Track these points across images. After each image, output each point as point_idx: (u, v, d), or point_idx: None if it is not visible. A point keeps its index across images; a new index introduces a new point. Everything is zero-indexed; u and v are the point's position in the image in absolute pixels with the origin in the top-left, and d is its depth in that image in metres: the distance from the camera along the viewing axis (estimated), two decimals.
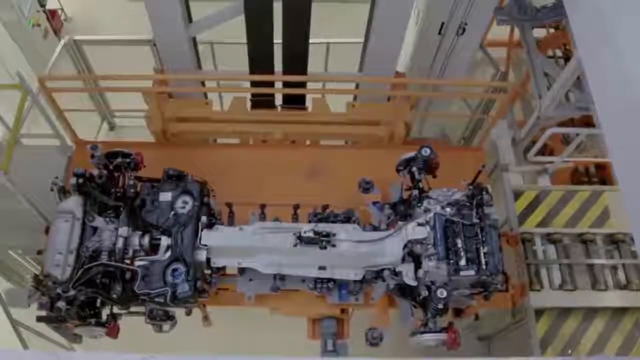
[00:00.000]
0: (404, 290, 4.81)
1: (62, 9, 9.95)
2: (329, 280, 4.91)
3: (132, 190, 4.97)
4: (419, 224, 4.56)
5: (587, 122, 6.62)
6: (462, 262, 4.30)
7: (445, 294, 4.05)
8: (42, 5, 9.26)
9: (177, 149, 6.13)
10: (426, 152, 4.76)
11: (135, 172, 5.12)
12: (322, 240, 4.69)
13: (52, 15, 9.61)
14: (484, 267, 4.29)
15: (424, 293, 4.60)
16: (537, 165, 6.75)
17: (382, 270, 4.85)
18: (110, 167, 5.04)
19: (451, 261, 4.33)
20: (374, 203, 5.38)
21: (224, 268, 5.04)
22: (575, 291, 5.77)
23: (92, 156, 5.01)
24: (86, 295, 4.30)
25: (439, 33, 5.92)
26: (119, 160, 5.04)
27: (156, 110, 5.99)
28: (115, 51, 7.39)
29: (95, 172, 4.93)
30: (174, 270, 4.59)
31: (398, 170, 5.34)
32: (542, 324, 5.77)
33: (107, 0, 10.57)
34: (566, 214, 6.27)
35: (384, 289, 4.90)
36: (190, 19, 5.76)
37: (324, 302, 5.13)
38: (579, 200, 6.35)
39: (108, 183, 4.95)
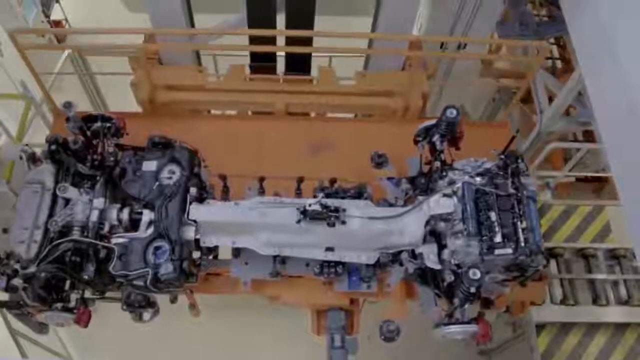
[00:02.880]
0: (425, 276, 4.21)
1: (66, 19, 10.12)
2: (337, 264, 4.32)
3: (111, 159, 4.39)
4: (445, 195, 3.96)
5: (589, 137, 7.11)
6: (497, 239, 3.69)
7: (478, 274, 3.45)
8: (47, 16, 9.48)
9: (165, 120, 5.55)
10: (452, 113, 4.15)
11: (117, 140, 4.54)
12: (330, 216, 4.09)
13: (56, 25, 9.86)
14: (522, 244, 3.68)
15: (450, 278, 4.01)
16: (538, 180, 6.61)
17: (399, 252, 4.26)
18: (88, 133, 4.47)
19: (484, 238, 3.72)
20: (389, 179, 4.80)
21: (215, 249, 4.45)
22: (577, 306, 5.81)
23: (67, 119, 4.45)
24: (49, 274, 3.70)
25: None
26: (98, 124, 4.47)
27: (144, 76, 5.42)
28: (117, 61, 7.13)
29: (70, 137, 4.36)
30: (157, 248, 4.00)
31: (416, 141, 4.76)
32: (543, 339, 5.80)
33: (110, 10, 10.85)
34: (567, 229, 6.34)
35: (401, 275, 4.30)
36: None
37: (331, 290, 4.53)
38: (580, 215, 6.40)
39: (84, 150, 4.37)
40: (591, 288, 5.89)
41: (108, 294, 4.20)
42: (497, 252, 3.68)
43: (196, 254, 4.30)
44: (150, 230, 4.07)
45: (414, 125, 4.85)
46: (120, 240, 4.05)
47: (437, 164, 4.43)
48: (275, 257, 4.42)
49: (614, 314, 5.81)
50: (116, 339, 7.08)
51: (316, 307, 4.75)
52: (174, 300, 4.27)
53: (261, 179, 4.61)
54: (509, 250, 3.67)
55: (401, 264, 4.30)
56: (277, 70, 5.92)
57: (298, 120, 5.77)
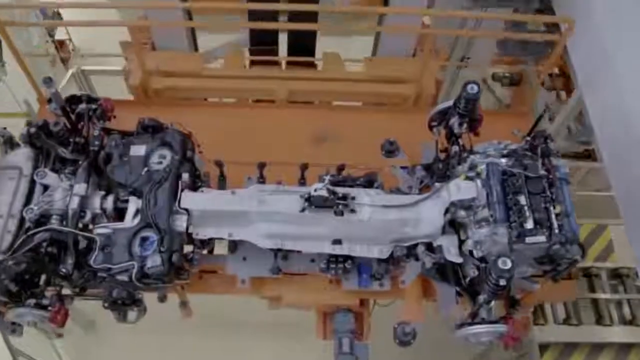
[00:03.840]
0: (445, 271, 3.80)
1: (70, 40, 10.34)
2: (345, 259, 3.91)
3: (96, 143, 4.03)
4: (467, 178, 3.57)
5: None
6: (529, 225, 3.28)
7: (509, 263, 3.03)
8: (51, 36, 9.74)
9: (159, 108, 5.18)
10: (473, 89, 3.77)
11: (103, 123, 4.19)
12: (338, 204, 3.71)
13: (60, 45, 10.03)
14: (556, 231, 3.27)
15: (473, 273, 3.60)
16: None
17: (415, 245, 3.85)
18: (72, 115, 4.12)
19: (513, 224, 3.31)
20: (402, 168, 4.43)
21: (210, 243, 4.05)
22: (580, 326, 5.80)
23: (49, 100, 4.11)
24: (20, 265, 3.30)
25: None
26: (83, 106, 4.12)
27: (135, 61, 5.09)
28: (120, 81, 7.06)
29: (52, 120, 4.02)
30: (144, 239, 3.61)
31: (431, 127, 4.39)
32: (547, 359, 5.79)
33: (112, 31, 10.71)
34: None
35: (417, 271, 3.88)
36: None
37: (338, 288, 4.12)
38: (582, 234, 6.30)
39: (66, 133, 4.01)
40: (594, 308, 5.97)
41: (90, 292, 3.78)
42: (528, 240, 3.27)
43: (188, 248, 3.92)
44: (137, 219, 3.69)
45: (427, 115, 4.51)
46: (103, 230, 3.66)
47: (455, 148, 4.05)
48: (276, 252, 4.03)
49: (618, 334, 5.84)
50: None
51: (322, 309, 4.33)
52: (162, 298, 3.86)
53: (261, 166, 4.23)
54: (542, 238, 3.26)
55: (417, 259, 3.89)
56: (278, 54, 5.58)
57: (301, 108, 5.40)
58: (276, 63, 5.56)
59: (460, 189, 3.59)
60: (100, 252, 3.57)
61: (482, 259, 3.59)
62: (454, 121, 4.15)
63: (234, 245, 4.09)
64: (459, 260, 3.64)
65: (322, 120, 5.29)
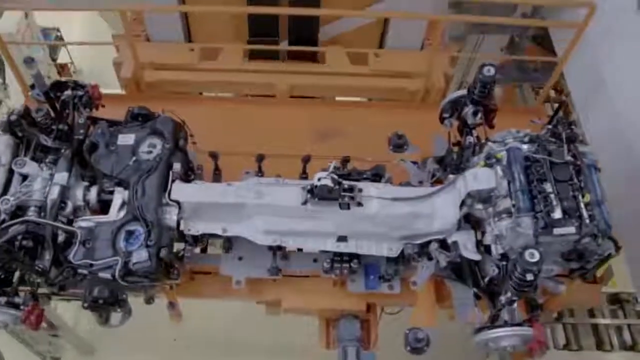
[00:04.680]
0: (461, 271, 3.50)
1: (72, 62, 10.47)
2: (351, 258, 3.61)
3: (81, 131, 3.77)
4: (487, 164, 3.29)
5: None
6: (556, 215, 2.98)
7: (537, 255, 2.73)
8: (54, 59, 9.96)
9: (151, 103, 4.88)
10: (489, 71, 3.52)
11: (89, 112, 3.93)
12: (344, 196, 3.43)
13: (62, 68, 10.15)
14: (587, 222, 2.97)
15: (493, 272, 3.29)
16: None
17: (428, 243, 3.56)
18: (57, 103, 3.87)
19: (538, 214, 3.02)
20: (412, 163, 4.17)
21: (203, 240, 3.76)
22: (580, 351, 5.80)
23: (32, 86, 3.87)
24: None
25: None
26: (68, 93, 3.87)
27: (128, 52, 4.86)
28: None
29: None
30: (129, 233, 3.31)
31: (442, 119, 4.13)
32: None
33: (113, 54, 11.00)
34: None
35: (431, 271, 3.58)
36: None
37: (343, 291, 3.80)
38: None
39: (49, 120, 3.75)
40: (595, 333, 5.92)
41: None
42: (556, 231, 2.96)
43: (179, 246, 3.62)
44: (123, 213, 3.41)
45: (436, 111, 4.26)
46: (86, 223, 3.37)
47: (470, 139, 3.79)
48: (275, 251, 3.74)
49: (619, 359, 5.88)
50: None
51: (326, 314, 4.01)
52: (149, 300, 3.54)
53: (259, 158, 3.96)
54: (572, 229, 2.95)
55: (430, 258, 3.60)
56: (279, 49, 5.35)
57: (303, 104, 5.15)
58: (276, 57, 5.33)
59: (478, 178, 3.30)
60: (81, 246, 3.27)
61: (503, 256, 3.29)
62: (468, 110, 3.90)
63: (229, 244, 3.80)
64: (477, 257, 3.34)
65: (325, 117, 5.02)
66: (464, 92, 3.94)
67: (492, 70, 3.51)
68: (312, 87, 5.15)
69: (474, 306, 3.37)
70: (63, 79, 4.00)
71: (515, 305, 3.13)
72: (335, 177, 3.43)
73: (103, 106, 4.07)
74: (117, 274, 3.15)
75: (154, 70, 5.04)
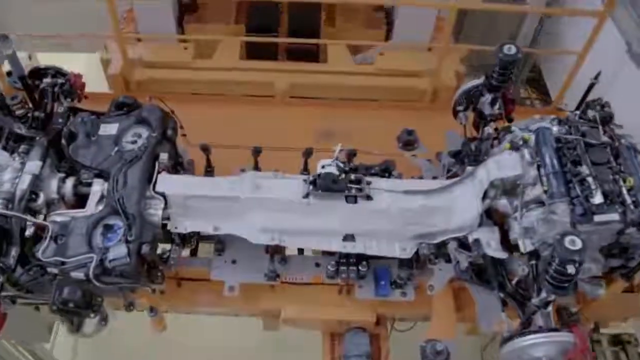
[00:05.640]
0: (484, 273, 3.12)
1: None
2: (358, 260, 3.24)
3: (60, 121, 3.46)
4: (512, 147, 2.97)
5: None
6: (596, 200, 2.63)
7: (579, 243, 2.37)
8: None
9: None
10: (511, 49, 3.24)
11: (70, 102, 3.64)
12: (351, 187, 3.09)
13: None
14: (631, 207, 2.62)
15: (522, 271, 2.93)
16: None
17: (445, 243, 3.20)
18: (35, 92, 3.59)
19: (575, 200, 2.67)
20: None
21: (191, 241, 3.40)
22: None
23: (9, 73, 3.60)
24: None
25: None
26: (49, 80, 3.58)
27: (117, 49, 4.62)
28: None
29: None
30: (108, 228, 2.96)
31: (456, 113, 3.85)
32: None
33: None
34: None
35: (449, 274, 3.21)
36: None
37: (350, 300, 3.41)
38: None
39: (25, 107, 3.46)
40: None
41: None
42: (597, 218, 2.61)
43: (165, 247, 3.26)
44: (101, 207, 3.06)
45: (447, 112, 3.98)
46: (59, 218, 3.02)
47: (489, 129, 3.48)
48: (272, 254, 3.38)
49: None
50: None
51: (330, 328, 3.60)
52: (129, 306, 3.14)
53: (256, 152, 3.64)
54: (615, 216, 2.59)
55: (448, 260, 3.23)
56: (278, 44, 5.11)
57: (304, 105, 4.86)
58: (275, 58, 5.08)
59: (502, 165, 2.98)
60: (52, 242, 2.91)
61: (531, 255, 2.93)
62: (485, 100, 3.62)
63: (221, 245, 3.44)
64: (504, 255, 2.97)
65: (326, 118, 4.74)
66: (479, 80, 3.67)
67: (514, 49, 3.23)
68: (312, 87, 4.87)
69: (500, 312, 2.98)
70: (42, 65, 3.71)
71: (550, 308, 2.76)
72: (341, 165, 3.12)
73: (86, 97, 3.80)
74: (91, 272, 2.78)
75: (144, 68, 4.78)
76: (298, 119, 4.79)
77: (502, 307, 3.02)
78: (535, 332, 2.70)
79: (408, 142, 4.06)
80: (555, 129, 2.95)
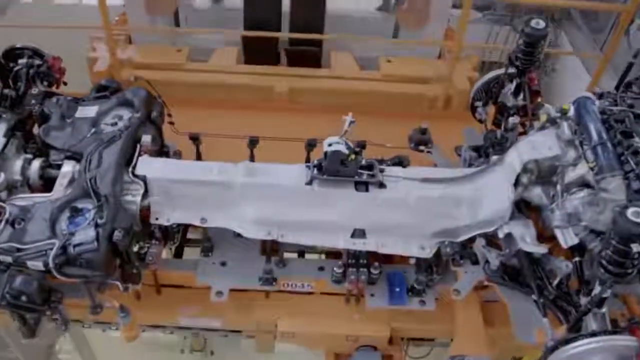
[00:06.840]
0: (518, 275, 2.70)
1: None
2: (369, 262, 2.82)
3: (32, 101, 3.12)
4: (550, 121, 2.62)
5: None
6: None
7: None
8: None
9: None
10: (538, 24, 2.95)
11: (47, 86, 3.32)
12: (362, 173, 2.72)
13: None
14: None
15: (567, 267, 2.51)
16: None
17: (471, 240, 2.80)
18: (9, 75, 3.28)
19: (629, 174, 2.30)
20: None
21: (175, 237, 2.98)
22: None
23: None
24: None
25: None
26: (24, 61, 3.28)
27: (104, 47, 4.37)
28: None
29: None
30: (76, 211, 2.54)
31: (474, 109, 3.56)
32: None
33: None
34: None
35: (477, 276, 2.78)
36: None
37: (359, 310, 2.95)
38: None
39: None
40: None
41: None
42: None
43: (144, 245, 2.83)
44: (69, 190, 2.66)
45: (459, 121, 3.72)
46: (21, 202, 2.61)
47: (513, 120, 3.16)
48: (268, 255, 2.95)
49: None
50: None
51: (335, 345, 3.10)
52: (96, 308, 2.66)
53: (252, 142, 3.29)
54: None
55: (475, 260, 2.81)
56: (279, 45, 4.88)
57: (305, 111, 4.55)
58: (277, 61, 4.84)
59: (536, 145, 2.63)
60: (9, 227, 2.49)
61: (573, 250, 2.53)
62: (507, 91, 3.32)
63: (209, 244, 3.01)
64: (543, 250, 2.56)
65: (330, 126, 4.42)
66: (499, 71, 3.39)
67: (542, 24, 2.96)
68: (315, 92, 4.58)
69: (541, 319, 2.53)
70: (19, 44, 3.42)
71: (605, 308, 2.32)
72: (351, 144, 2.76)
73: (65, 83, 3.48)
74: (50, 260, 2.35)
75: (133, 69, 4.49)
76: (299, 126, 4.46)
77: (542, 312, 2.57)
78: (589, 335, 2.24)
79: (421, 140, 3.73)
80: (597, 102, 2.63)
